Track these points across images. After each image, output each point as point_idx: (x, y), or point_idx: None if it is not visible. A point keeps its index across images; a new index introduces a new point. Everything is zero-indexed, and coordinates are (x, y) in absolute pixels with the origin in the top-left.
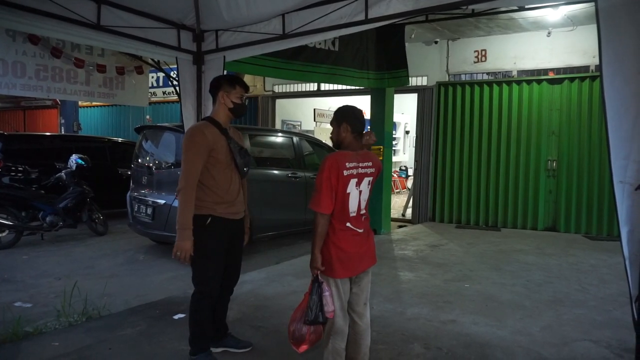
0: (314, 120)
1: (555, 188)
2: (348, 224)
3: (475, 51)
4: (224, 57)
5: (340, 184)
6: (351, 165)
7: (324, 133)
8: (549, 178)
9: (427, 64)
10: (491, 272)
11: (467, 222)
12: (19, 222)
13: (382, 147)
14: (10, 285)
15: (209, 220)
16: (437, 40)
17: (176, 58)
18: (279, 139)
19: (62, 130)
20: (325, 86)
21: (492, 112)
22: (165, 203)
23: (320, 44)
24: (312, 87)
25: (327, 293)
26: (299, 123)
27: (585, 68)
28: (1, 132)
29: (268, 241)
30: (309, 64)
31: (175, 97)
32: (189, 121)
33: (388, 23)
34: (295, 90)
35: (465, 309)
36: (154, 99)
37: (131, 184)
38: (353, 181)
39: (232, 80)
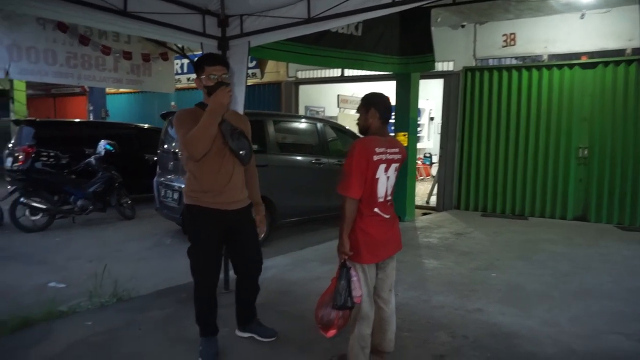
0: (338, 106)
1: (586, 176)
2: (376, 210)
3: (503, 35)
4: (249, 42)
5: (370, 169)
6: (380, 150)
7: (347, 119)
8: (579, 166)
9: (453, 48)
10: (518, 261)
11: (492, 211)
12: (51, 206)
13: (406, 133)
14: (45, 267)
15: (195, 211)
16: (464, 24)
17: (201, 44)
18: (302, 125)
19: (91, 117)
20: (348, 72)
21: (520, 97)
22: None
23: (343, 28)
24: (336, 72)
25: (354, 278)
26: (322, 109)
27: (621, 52)
28: (33, 119)
29: (292, 227)
30: (332, 49)
31: None
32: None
33: (416, 5)
34: (319, 76)
35: (492, 298)
36: (178, 86)
37: (158, 169)
38: (382, 166)
39: (199, 61)
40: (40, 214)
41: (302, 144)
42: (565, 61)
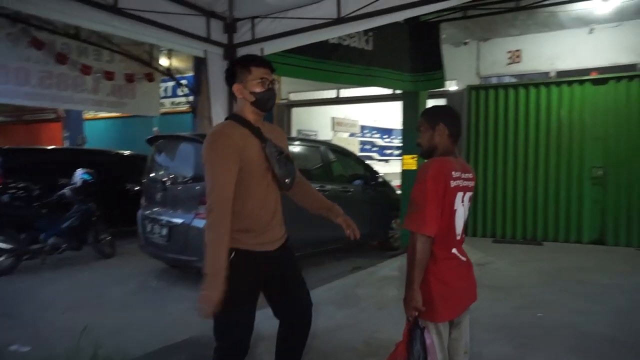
0: (332, 129)
1: (603, 197)
2: (454, 251)
3: (508, 52)
4: (262, 49)
5: (448, 198)
6: (457, 175)
7: (341, 143)
8: (594, 186)
9: (456, 66)
10: (561, 296)
11: (502, 236)
12: (17, 245)
13: (415, 156)
14: (7, 322)
15: (232, 255)
16: (467, 41)
17: (205, 51)
18: (304, 148)
19: (67, 144)
20: (344, 93)
21: (528, 116)
22: (183, 222)
23: (354, 41)
24: (331, 94)
25: (429, 341)
26: (315, 133)
27: (632, 67)
28: (0, 146)
29: None
30: (344, 64)
31: (185, 108)
32: None
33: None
34: (312, 97)
35: (555, 348)
36: (162, 110)
37: (142, 200)
38: (459, 195)
39: (244, 62)
40: (4, 256)
41: (304, 169)
42: (575, 77)
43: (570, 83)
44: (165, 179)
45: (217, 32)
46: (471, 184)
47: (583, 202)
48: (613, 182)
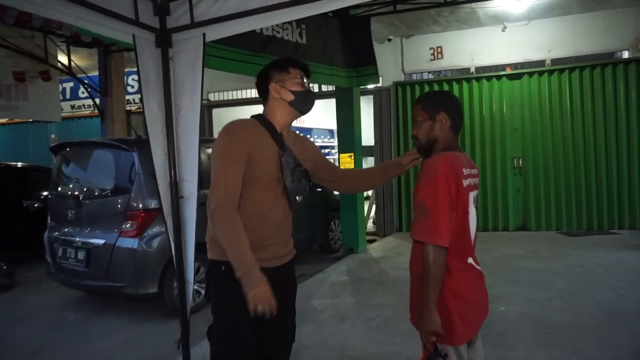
0: None
1: (523, 186)
2: (470, 260)
3: (430, 48)
4: (204, 35)
5: (461, 200)
6: (467, 172)
7: None
8: (516, 176)
9: (381, 63)
10: (511, 286)
11: None
12: None
13: (352, 154)
14: None
15: (223, 268)
16: (391, 37)
17: (133, 36)
18: None
19: None
20: None
21: None
22: (105, 243)
23: (288, 34)
24: (253, 93)
25: None
26: None
27: (542, 62)
28: None
29: None
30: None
31: (88, 111)
32: (156, 128)
33: None
34: (234, 97)
35: (528, 341)
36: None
37: (49, 220)
38: (472, 195)
39: (281, 64)
40: None
41: None
42: (493, 73)
43: (488, 78)
44: (77, 193)
45: (147, 13)
46: (477, 181)
47: (507, 191)
48: (531, 170)
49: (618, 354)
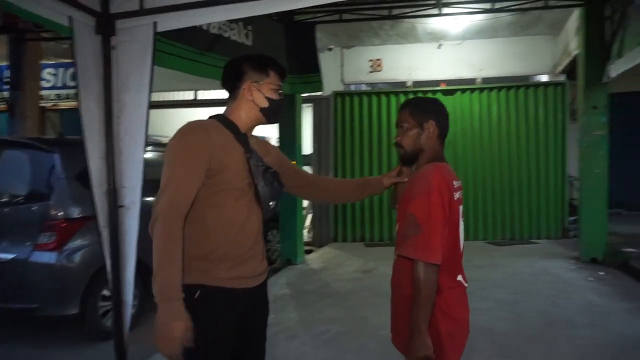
0: None
1: None
2: (459, 278)
3: (370, 60)
4: (155, 24)
5: (453, 213)
6: (457, 185)
7: None
8: None
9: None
10: None
11: (372, 239)
12: None
13: (294, 162)
14: None
15: (197, 294)
16: (332, 47)
17: (69, 18)
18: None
19: None
20: (202, 94)
21: (390, 123)
22: (15, 258)
23: (235, 34)
24: (188, 95)
25: None
26: (167, 138)
27: (473, 80)
28: None
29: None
30: (226, 58)
31: None
32: (93, 127)
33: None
34: (166, 99)
35: (480, 352)
36: None
37: None
38: (460, 209)
39: (262, 63)
40: None
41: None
42: (429, 87)
43: (425, 93)
44: None
45: None
46: (462, 194)
47: None
48: (463, 183)
49: None
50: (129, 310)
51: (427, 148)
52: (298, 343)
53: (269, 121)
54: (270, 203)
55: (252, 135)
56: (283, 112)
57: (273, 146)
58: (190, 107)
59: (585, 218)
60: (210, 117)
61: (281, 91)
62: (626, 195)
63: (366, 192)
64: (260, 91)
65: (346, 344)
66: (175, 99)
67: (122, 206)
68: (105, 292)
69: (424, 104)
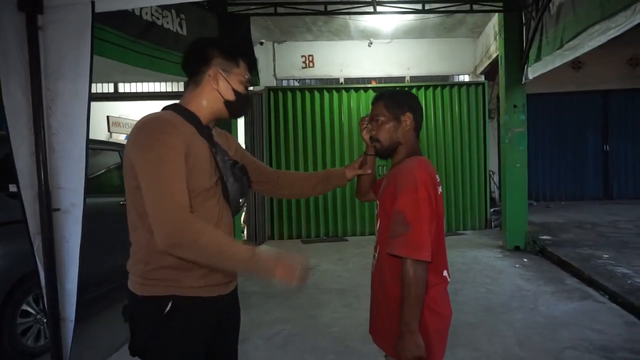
0: (108, 130)
1: None
2: (445, 273)
3: (302, 56)
4: (93, 3)
5: (438, 209)
6: (438, 179)
7: None
8: None
9: None
10: None
11: (308, 236)
12: None
13: None
14: None
15: (168, 308)
16: (263, 41)
17: None
18: (102, 153)
19: None
20: (123, 88)
21: (324, 119)
22: None
23: (168, 22)
24: (108, 88)
25: None
26: None
27: (402, 79)
28: None
29: (93, 303)
30: (160, 48)
31: None
32: (19, 119)
33: None
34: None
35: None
36: None
37: None
38: (443, 203)
39: (232, 51)
40: None
41: (105, 180)
42: (360, 85)
43: (357, 90)
44: None
45: None
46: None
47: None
48: None
49: (507, 346)
50: (71, 328)
51: (405, 141)
52: (251, 347)
53: (232, 116)
54: (240, 200)
55: (215, 128)
56: (249, 110)
57: (233, 138)
58: (110, 101)
59: (509, 210)
60: (165, 109)
61: (248, 85)
62: (534, 188)
63: (329, 185)
64: (228, 81)
65: (300, 345)
66: (93, 91)
67: (57, 209)
68: (27, 308)
69: (398, 96)
